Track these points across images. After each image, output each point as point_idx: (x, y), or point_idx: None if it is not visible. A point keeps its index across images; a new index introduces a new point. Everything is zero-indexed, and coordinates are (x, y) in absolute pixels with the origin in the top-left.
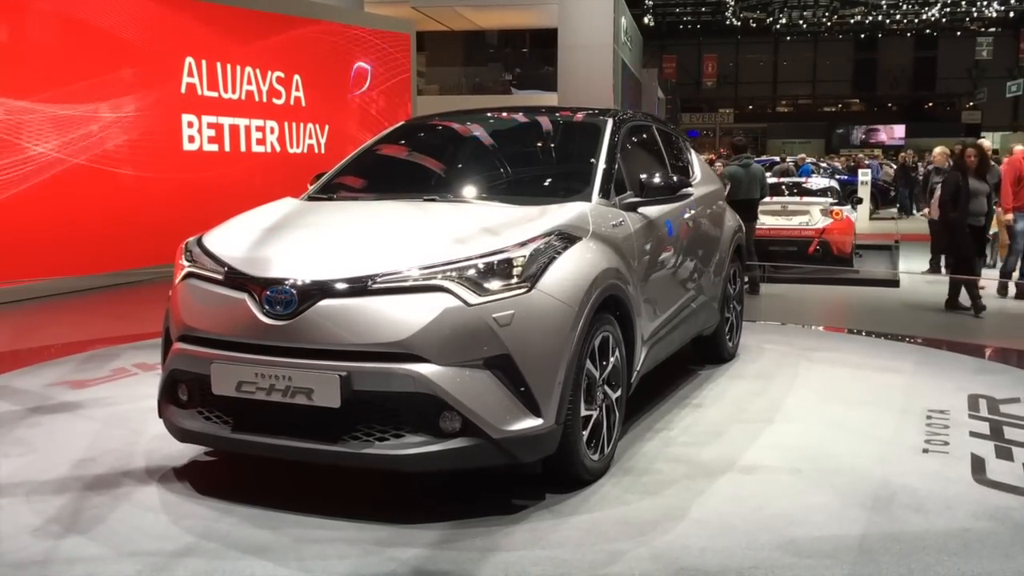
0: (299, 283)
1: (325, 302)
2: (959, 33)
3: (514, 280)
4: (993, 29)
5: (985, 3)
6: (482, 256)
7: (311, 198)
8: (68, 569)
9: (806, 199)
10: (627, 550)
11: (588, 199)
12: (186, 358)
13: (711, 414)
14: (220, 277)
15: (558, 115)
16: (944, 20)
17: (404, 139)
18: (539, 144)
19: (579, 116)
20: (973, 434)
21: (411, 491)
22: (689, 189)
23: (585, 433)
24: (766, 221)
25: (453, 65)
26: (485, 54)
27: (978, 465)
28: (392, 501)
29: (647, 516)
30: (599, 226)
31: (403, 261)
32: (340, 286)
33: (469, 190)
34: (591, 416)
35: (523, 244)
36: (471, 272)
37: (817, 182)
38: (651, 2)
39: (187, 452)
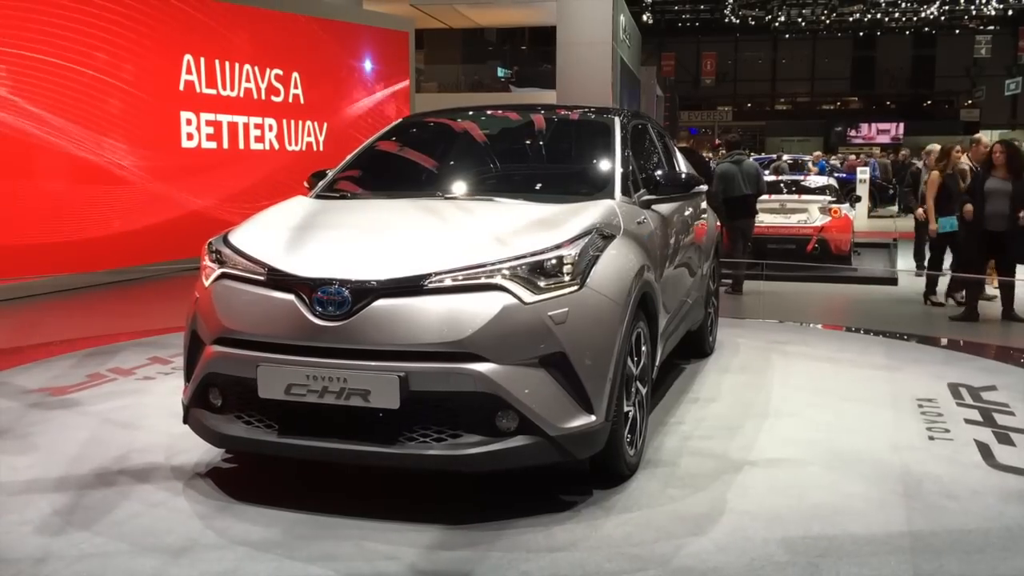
0: (352, 283)
1: (381, 302)
2: (958, 31)
3: (566, 278)
4: (992, 27)
5: (984, 1)
6: (534, 254)
7: (321, 196)
8: None
9: (804, 197)
10: (691, 543)
11: (612, 196)
12: (226, 361)
13: (716, 408)
14: (262, 278)
15: (565, 112)
16: (943, 18)
17: (410, 136)
18: (551, 142)
19: (588, 114)
20: (968, 421)
21: (450, 490)
22: (702, 186)
23: (626, 428)
24: (764, 219)
25: (452, 63)
26: (484, 52)
27: (985, 451)
28: (427, 501)
29: (697, 510)
30: (628, 223)
31: (455, 260)
32: (396, 286)
33: (489, 188)
34: (630, 412)
35: (570, 242)
36: (525, 270)
37: (815, 180)
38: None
39: (202, 456)
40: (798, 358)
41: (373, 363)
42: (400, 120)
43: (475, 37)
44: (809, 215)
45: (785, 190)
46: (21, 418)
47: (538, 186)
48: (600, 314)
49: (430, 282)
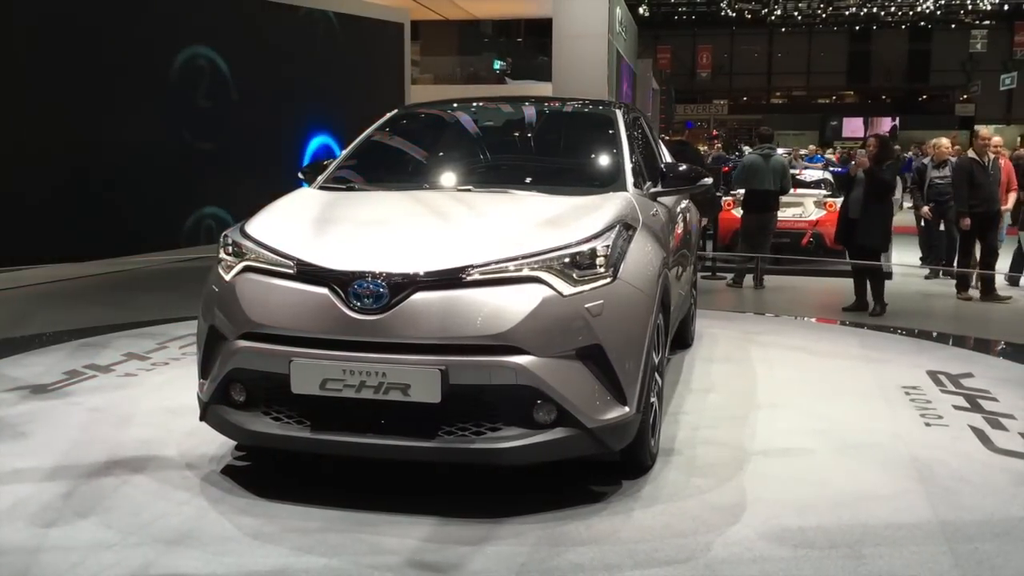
0: (390, 276)
1: (420, 295)
2: (953, 25)
3: (600, 270)
4: (987, 22)
5: None
6: (569, 246)
7: (326, 188)
8: None
9: (799, 191)
10: (732, 532)
11: (625, 189)
12: (256, 356)
13: (715, 399)
14: (291, 271)
15: (569, 104)
16: (938, 12)
17: (413, 127)
18: (554, 134)
19: (595, 106)
20: (957, 408)
21: (461, 482)
22: (707, 179)
23: (651, 419)
24: None
25: (447, 55)
26: (480, 44)
27: (982, 436)
28: (441, 493)
29: (727, 500)
30: (644, 215)
31: (491, 252)
32: (434, 278)
33: (498, 180)
34: (653, 403)
35: (601, 234)
36: (562, 262)
37: (811, 174)
38: None
39: (215, 452)
40: (775, 348)
41: (413, 357)
42: (400, 110)
43: (471, 29)
44: (804, 209)
45: None
46: (7, 416)
47: (550, 179)
48: (633, 306)
49: (468, 275)
